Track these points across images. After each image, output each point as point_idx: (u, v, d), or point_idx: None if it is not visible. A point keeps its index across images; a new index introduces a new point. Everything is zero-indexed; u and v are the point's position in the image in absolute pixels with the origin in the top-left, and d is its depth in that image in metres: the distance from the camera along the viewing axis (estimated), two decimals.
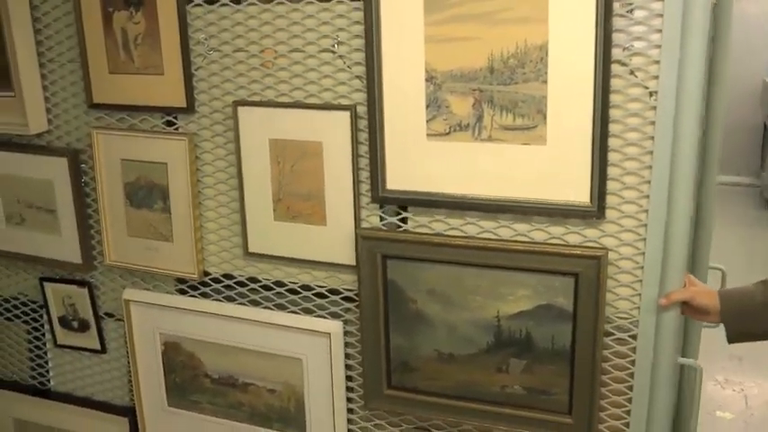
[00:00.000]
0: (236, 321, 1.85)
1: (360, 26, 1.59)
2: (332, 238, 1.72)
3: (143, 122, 1.85)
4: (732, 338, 1.54)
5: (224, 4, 1.69)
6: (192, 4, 1.71)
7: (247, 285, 1.86)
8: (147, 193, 1.86)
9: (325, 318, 1.79)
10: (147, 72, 1.77)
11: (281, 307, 1.84)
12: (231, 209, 1.82)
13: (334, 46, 1.63)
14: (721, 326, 1.56)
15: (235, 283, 1.87)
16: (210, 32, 1.72)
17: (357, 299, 1.74)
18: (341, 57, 1.63)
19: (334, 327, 1.77)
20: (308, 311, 1.81)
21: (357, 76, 1.63)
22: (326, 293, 1.79)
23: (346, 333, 1.78)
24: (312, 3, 1.62)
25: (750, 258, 5.42)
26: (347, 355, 1.80)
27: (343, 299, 1.78)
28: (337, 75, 1.64)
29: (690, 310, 1.54)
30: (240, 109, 1.71)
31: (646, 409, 1.60)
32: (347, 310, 1.78)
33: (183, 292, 1.94)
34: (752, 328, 1.52)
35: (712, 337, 1.80)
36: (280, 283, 1.83)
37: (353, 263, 1.72)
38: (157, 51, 1.74)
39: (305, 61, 1.66)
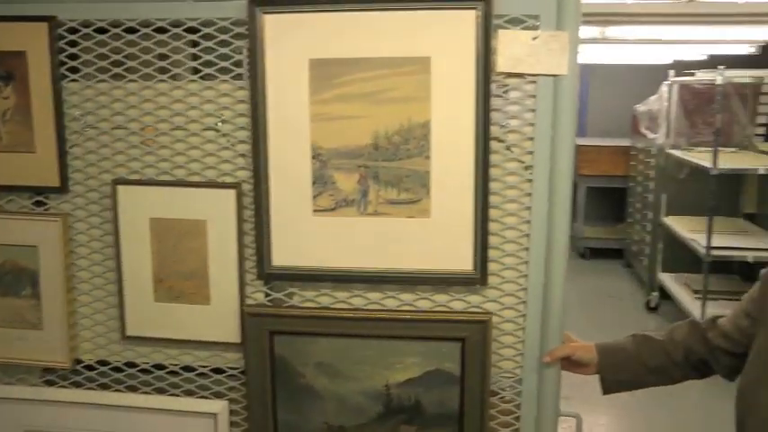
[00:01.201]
0: (112, 409, 1.74)
1: (244, 105, 1.60)
2: (216, 317, 1.69)
3: (9, 203, 1.73)
4: (607, 389, 1.67)
5: (102, 80, 1.64)
6: (68, 79, 1.65)
7: (124, 371, 1.77)
8: (13, 278, 1.72)
9: (208, 398, 1.74)
10: (16, 150, 1.66)
11: (160, 391, 1.76)
12: (108, 291, 1.73)
13: (217, 124, 1.63)
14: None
15: (110, 369, 1.77)
16: (87, 109, 1.66)
17: (242, 377, 1.71)
18: (225, 135, 1.63)
19: (219, 407, 1.71)
20: (190, 393, 1.75)
21: (241, 154, 1.63)
22: (210, 373, 1.74)
23: (232, 412, 1.74)
24: (195, 81, 1.62)
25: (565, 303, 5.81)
26: None
27: (228, 377, 1.73)
28: (221, 153, 1.64)
29: (569, 364, 1.65)
30: (119, 188, 1.65)
31: None
32: (231, 388, 1.74)
33: (50, 383, 1.80)
34: (625, 378, 1.66)
35: None
36: (160, 366, 1.75)
37: (239, 341, 1.69)
38: (28, 128, 1.64)
39: (187, 139, 1.64)
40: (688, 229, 5.62)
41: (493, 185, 1.58)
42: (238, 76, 1.61)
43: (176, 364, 1.75)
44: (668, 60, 6.31)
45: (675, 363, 1.62)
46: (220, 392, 1.74)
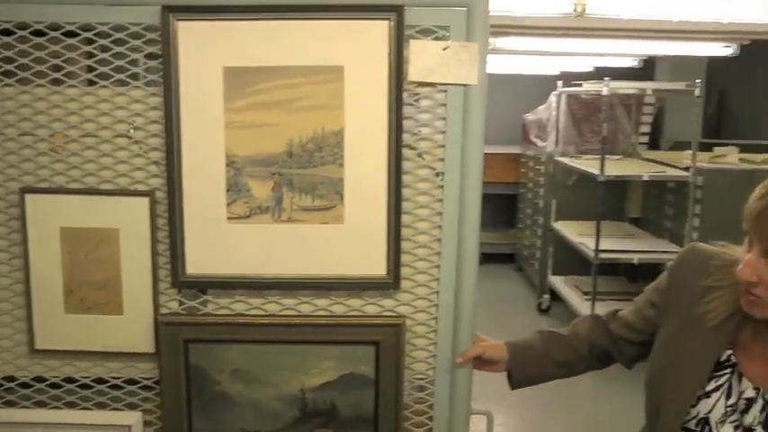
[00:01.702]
0: (20, 427, 1.68)
1: (157, 111, 1.59)
2: (129, 327, 1.66)
3: None
4: (515, 385, 1.74)
5: (8, 85, 1.59)
6: None
7: (32, 386, 1.71)
8: None
9: (122, 410, 1.71)
10: None
11: (71, 405, 1.71)
12: (14, 304, 1.67)
13: (130, 131, 1.61)
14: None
15: (17, 385, 1.71)
16: None
17: (157, 387, 1.69)
18: (137, 142, 1.61)
19: (133, 419, 1.69)
20: (102, 406, 1.71)
21: (154, 162, 1.62)
22: (123, 384, 1.71)
23: (146, 423, 1.71)
24: (107, 87, 1.59)
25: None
26: None
27: (142, 388, 1.71)
28: (133, 160, 1.62)
29: (481, 363, 1.71)
30: (27, 196, 1.60)
31: None
32: (146, 399, 1.71)
33: None
34: (533, 374, 1.74)
35: None
36: (70, 380, 1.71)
37: (152, 350, 1.67)
38: None
39: (99, 146, 1.61)
40: (577, 233, 5.85)
41: (405, 192, 1.62)
42: (151, 83, 1.59)
43: (88, 377, 1.71)
44: (556, 71, 6.56)
45: (581, 356, 1.71)
46: (134, 404, 1.72)
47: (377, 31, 1.56)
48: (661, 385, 1.53)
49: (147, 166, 1.62)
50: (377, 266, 1.65)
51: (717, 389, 1.48)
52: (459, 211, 1.63)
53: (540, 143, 6.65)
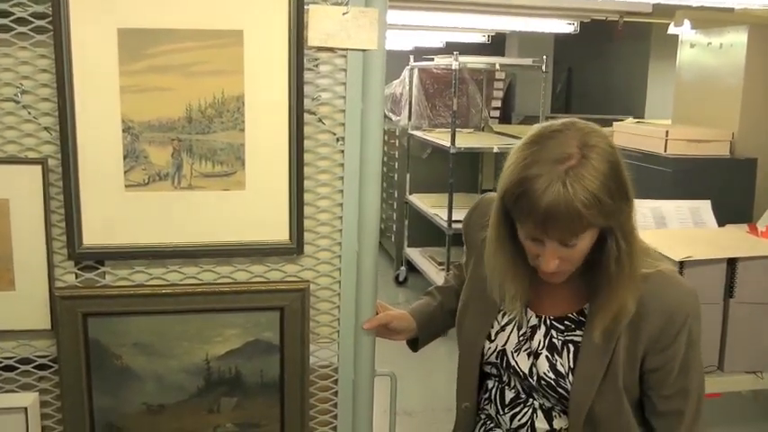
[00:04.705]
0: None
1: (47, 74, 1.51)
2: (22, 303, 1.58)
3: None
4: (421, 346, 1.80)
5: None
6: None
7: None
8: None
9: (16, 392, 1.62)
10: None
11: None
12: None
13: (17, 95, 1.52)
14: None
15: None
16: None
17: (53, 365, 1.62)
18: (25, 107, 1.53)
19: (29, 399, 1.61)
20: None
21: (45, 128, 1.54)
22: (16, 365, 1.62)
23: (43, 404, 1.64)
24: None
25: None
26: (45, 428, 1.65)
27: (37, 367, 1.63)
28: (23, 126, 1.53)
29: (386, 332, 1.76)
30: None
31: (350, 417, 1.77)
32: (41, 378, 1.64)
33: None
34: (434, 330, 1.82)
35: None
36: None
37: (48, 327, 1.59)
38: None
39: None
40: (431, 205, 6.01)
41: (306, 157, 1.63)
42: (40, 44, 1.50)
43: None
44: (410, 47, 6.69)
45: None
46: (29, 384, 1.63)
47: None
48: (460, 324, 1.65)
49: (38, 133, 1.54)
50: (279, 232, 1.65)
51: (510, 322, 1.59)
52: (360, 175, 1.66)
53: (394, 117, 6.77)
